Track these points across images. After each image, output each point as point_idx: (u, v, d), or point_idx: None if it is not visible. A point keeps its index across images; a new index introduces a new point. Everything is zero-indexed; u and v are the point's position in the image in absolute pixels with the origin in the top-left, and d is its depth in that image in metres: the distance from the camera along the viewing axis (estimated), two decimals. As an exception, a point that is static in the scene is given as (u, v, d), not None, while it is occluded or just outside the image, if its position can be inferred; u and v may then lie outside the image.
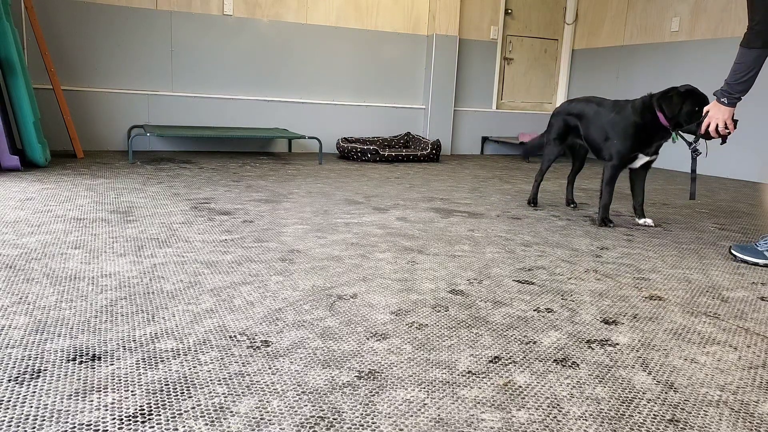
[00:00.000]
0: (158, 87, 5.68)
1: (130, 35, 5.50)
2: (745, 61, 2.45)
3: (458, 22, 6.61)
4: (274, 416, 1.24)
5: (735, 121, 2.62)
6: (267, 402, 1.29)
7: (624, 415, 1.32)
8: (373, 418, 1.25)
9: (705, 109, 2.70)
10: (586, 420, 1.29)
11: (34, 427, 1.16)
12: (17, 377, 1.35)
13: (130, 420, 1.20)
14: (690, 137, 3.01)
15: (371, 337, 1.67)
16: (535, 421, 1.27)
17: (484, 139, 7.15)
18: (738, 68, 2.48)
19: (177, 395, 1.30)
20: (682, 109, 2.93)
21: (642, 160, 3.21)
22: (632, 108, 3.14)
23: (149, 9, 5.51)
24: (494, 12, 6.93)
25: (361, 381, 1.41)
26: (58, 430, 1.15)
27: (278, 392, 1.33)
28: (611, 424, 1.28)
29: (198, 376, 1.39)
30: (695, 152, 2.90)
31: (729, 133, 2.64)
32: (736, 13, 5.61)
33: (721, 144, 2.72)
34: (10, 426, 1.16)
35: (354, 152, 5.87)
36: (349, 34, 6.33)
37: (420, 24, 6.63)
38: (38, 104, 5.02)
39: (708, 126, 2.65)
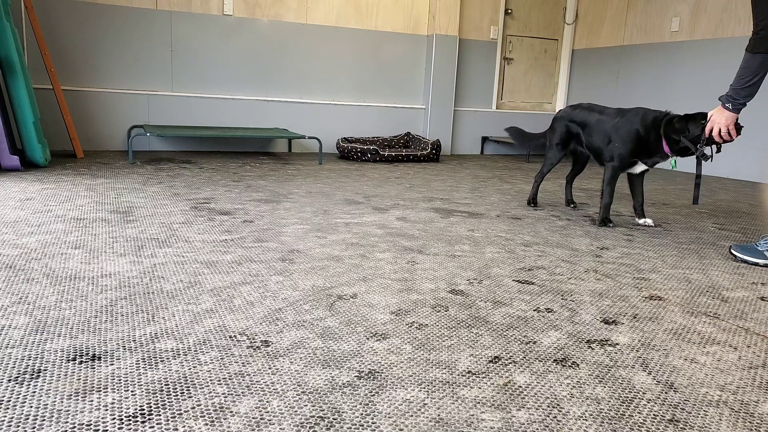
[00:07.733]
0: (158, 87, 5.68)
1: (130, 35, 5.49)
2: (750, 67, 2.43)
3: (458, 22, 6.61)
4: (274, 416, 1.24)
5: (739, 128, 2.60)
6: (267, 402, 1.29)
7: (624, 415, 1.32)
8: (373, 418, 1.25)
9: (709, 114, 2.69)
10: (586, 420, 1.29)
11: (34, 427, 1.16)
12: (17, 377, 1.35)
13: (130, 420, 1.20)
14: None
15: (371, 337, 1.66)
16: (535, 421, 1.27)
17: (484, 139, 7.15)
18: (743, 73, 2.46)
19: (177, 395, 1.30)
20: (687, 130, 2.91)
21: (640, 167, 3.23)
22: (642, 119, 3.11)
23: (149, 9, 5.51)
24: (494, 12, 6.93)
25: (361, 381, 1.41)
26: (58, 430, 1.15)
27: (278, 392, 1.33)
28: (611, 424, 1.28)
29: (198, 376, 1.39)
30: (702, 156, 2.83)
31: (732, 139, 2.62)
32: (736, 13, 5.61)
33: (716, 152, 2.71)
34: (10, 426, 1.16)
35: (354, 152, 5.87)
36: (349, 34, 6.33)
37: (420, 24, 6.63)
38: (38, 104, 5.02)
39: (711, 131, 2.64)
